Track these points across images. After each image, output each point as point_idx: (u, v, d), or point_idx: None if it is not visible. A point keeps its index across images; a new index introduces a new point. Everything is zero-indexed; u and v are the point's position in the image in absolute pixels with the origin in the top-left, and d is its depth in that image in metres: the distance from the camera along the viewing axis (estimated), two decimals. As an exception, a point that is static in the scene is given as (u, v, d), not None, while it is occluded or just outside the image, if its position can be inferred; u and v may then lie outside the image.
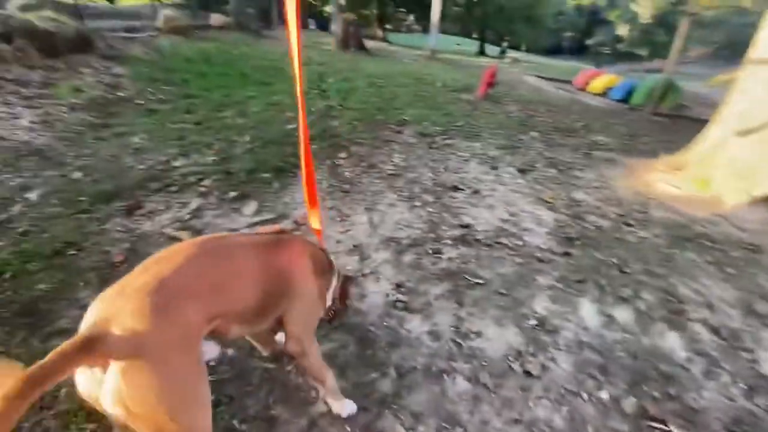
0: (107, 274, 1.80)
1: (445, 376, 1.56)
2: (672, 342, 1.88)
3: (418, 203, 2.90)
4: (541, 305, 2.02)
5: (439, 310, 1.90)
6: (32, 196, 2.27)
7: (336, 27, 11.85)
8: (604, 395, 1.57)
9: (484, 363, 1.64)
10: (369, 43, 13.64)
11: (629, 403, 1.54)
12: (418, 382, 1.53)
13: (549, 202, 3.21)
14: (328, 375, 1.31)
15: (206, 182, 2.67)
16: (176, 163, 2.87)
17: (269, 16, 15.45)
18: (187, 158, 2.97)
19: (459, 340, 1.74)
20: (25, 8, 5.24)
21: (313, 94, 5.51)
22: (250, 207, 2.49)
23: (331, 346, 1.61)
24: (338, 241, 2.30)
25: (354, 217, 2.57)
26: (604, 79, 10.21)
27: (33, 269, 1.76)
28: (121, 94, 4.12)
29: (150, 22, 8.09)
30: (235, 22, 11.28)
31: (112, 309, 0.80)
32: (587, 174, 3.98)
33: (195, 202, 2.46)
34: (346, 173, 3.15)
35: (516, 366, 1.65)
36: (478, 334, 1.79)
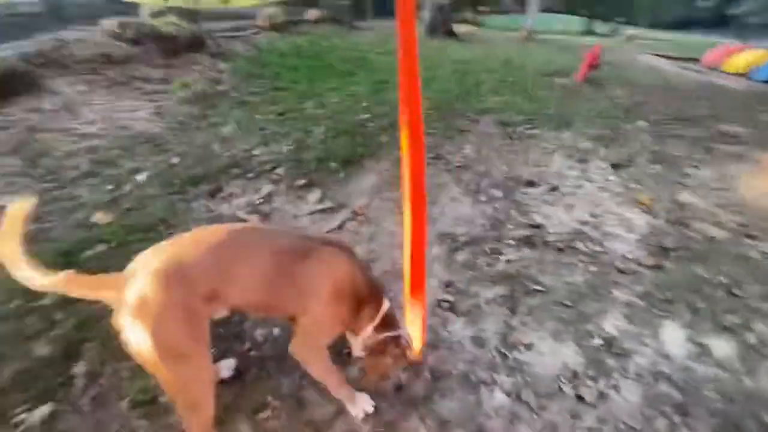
0: (186, 250, 2.06)
1: (482, 387, 1.47)
2: (789, 390, 1.50)
3: (483, 198, 2.74)
4: (613, 323, 1.77)
5: (488, 315, 1.78)
6: (141, 177, 2.68)
7: (425, 13, 11.64)
8: (677, 440, 1.32)
9: (529, 379, 1.50)
10: (460, 28, 13.15)
11: (709, 455, 1.27)
12: (453, 388, 1.46)
13: (644, 204, 2.77)
14: (333, 385, 1.30)
15: (279, 170, 2.87)
16: (256, 152, 3.13)
17: (363, 7, 15.82)
18: (267, 147, 3.22)
19: (505, 351, 1.61)
20: (154, 15, 6.16)
21: (392, 83, 5.51)
22: (315, 195, 2.61)
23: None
24: (391, 233, 2.29)
25: (412, 210, 2.53)
26: (748, 55, 8.36)
27: (132, 240, 2.08)
28: (220, 88, 4.62)
29: (253, 20, 8.88)
30: (329, 16, 11.79)
31: (142, 264, 1.02)
32: (703, 171, 3.33)
33: (267, 188, 2.67)
34: (412, 164, 3.10)
35: (567, 388, 1.47)
36: (529, 346, 1.64)
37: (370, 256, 2.10)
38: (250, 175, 2.82)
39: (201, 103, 4.09)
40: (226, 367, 1.46)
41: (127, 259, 1.92)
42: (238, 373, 1.46)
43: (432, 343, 1.62)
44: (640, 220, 2.59)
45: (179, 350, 1.00)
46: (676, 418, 1.38)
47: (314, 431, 1.30)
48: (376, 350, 1.29)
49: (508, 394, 1.44)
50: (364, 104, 4.35)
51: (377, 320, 1.27)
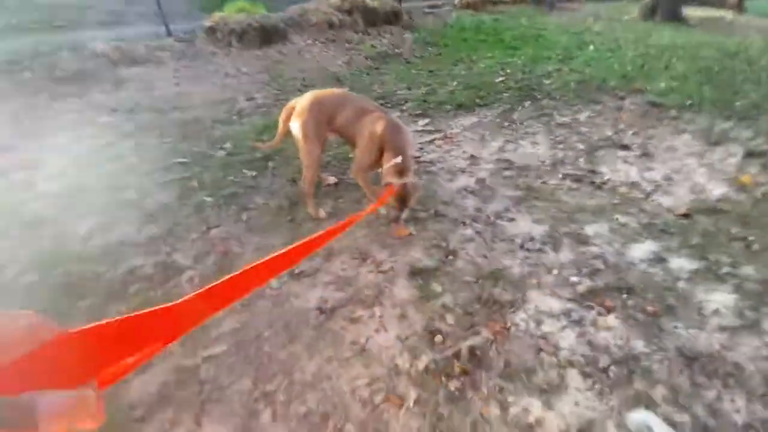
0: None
1: (461, 225, 2.39)
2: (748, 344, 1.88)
3: (561, 146, 3.33)
4: (594, 230, 2.34)
5: (497, 201, 2.61)
6: (323, 96, 4.36)
7: (648, -7, 10.74)
8: (573, 278, 1.98)
9: (496, 230, 2.33)
10: (696, 12, 11.51)
11: (583, 286, 1.90)
12: (442, 221, 2.43)
13: (743, 183, 2.84)
14: (367, 191, 2.42)
15: (407, 105, 4.11)
16: (399, 92, 4.45)
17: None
18: (408, 90, 4.50)
19: (493, 218, 2.45)
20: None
21: (554, 59, 5.98)
22: (423, 121, 3.76)
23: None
24: (464, 151, 3.23)
25: (490, 142, 3.38)
26: None
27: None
28: (397, 51, 6.15)
29: (452, -1, 10.30)
30: (532, -4, 12.21)
31: (304, 96, 2.37)
32: None
33: (395, 114, 3.95)
34: (514, 116, 3.86)
35: (519, 241, 2.25)
36: (512, 220, 2.43)
37: (438, 159, 3.13)
38: (389, 105, 4.16)
39: (379, 60, 5.69)
40: (332, 179, 2.82)
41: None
42: (335, 184, 2.80)
43: (446, 201, 2.60)
44: (718, 191, 2.74)
45: (308, 136, 2.32)
46: (585, 270, 2.01)
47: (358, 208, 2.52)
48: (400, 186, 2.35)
49: (475, 231, 2.33)
50: (508, 71, 5.13)
51: (388, 165, 2.23)
